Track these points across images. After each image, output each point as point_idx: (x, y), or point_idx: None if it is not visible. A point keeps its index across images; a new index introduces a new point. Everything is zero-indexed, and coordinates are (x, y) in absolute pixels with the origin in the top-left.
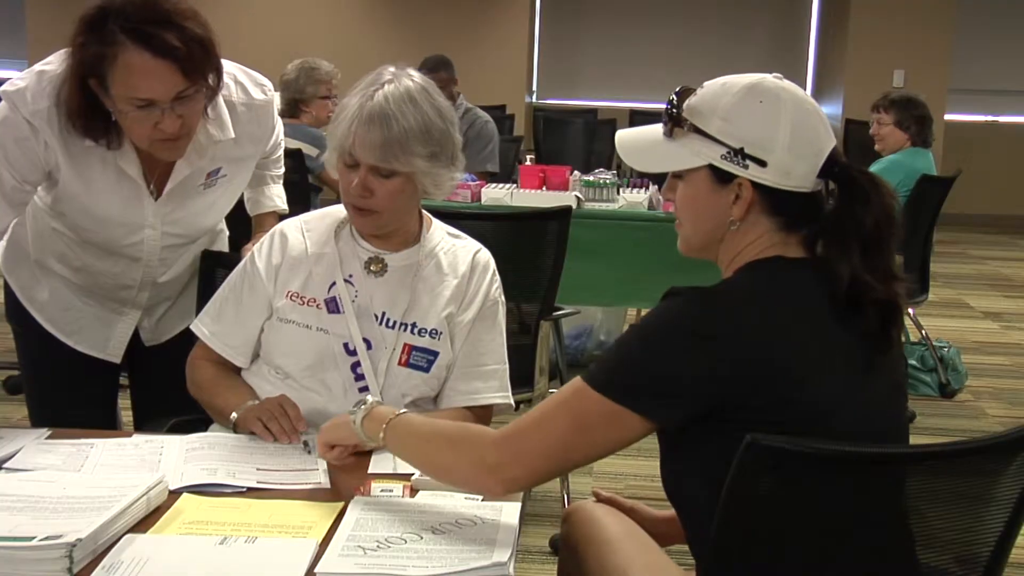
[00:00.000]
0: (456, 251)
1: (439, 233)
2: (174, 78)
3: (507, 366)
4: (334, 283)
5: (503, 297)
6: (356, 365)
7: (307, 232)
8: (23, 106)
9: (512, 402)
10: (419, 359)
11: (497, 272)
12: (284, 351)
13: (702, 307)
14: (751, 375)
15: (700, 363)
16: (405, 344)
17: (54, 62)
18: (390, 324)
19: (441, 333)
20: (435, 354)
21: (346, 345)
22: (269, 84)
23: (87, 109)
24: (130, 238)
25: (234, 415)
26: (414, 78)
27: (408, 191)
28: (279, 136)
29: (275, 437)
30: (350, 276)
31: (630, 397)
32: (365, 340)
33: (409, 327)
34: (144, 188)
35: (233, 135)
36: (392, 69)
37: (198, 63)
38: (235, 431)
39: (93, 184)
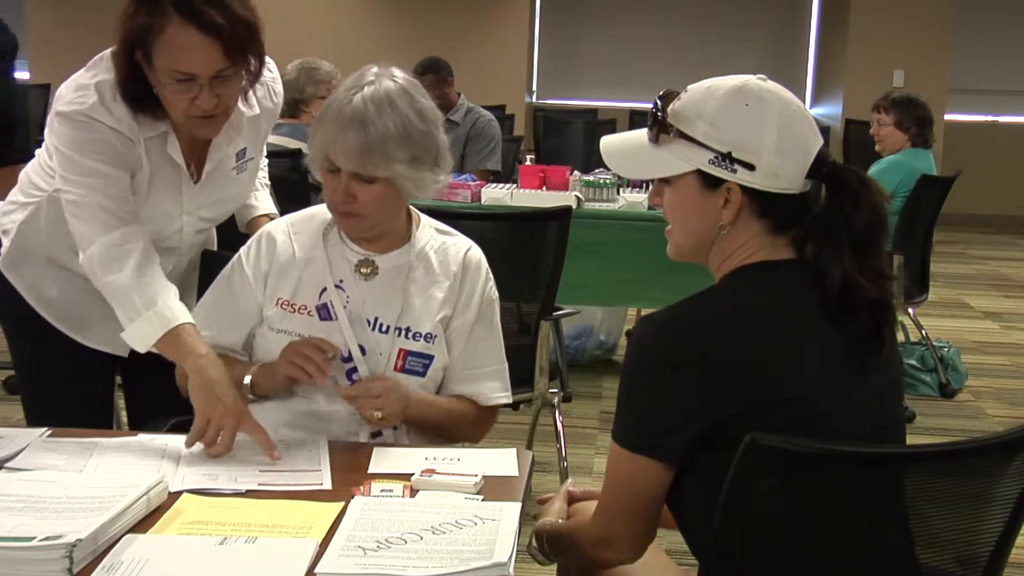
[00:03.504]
0: (446, 249)
1: (428, 231)
2: (215, 55)
3: (506, 364)
4: (325, 289)
5: (496, 293)
6: (352, 371)
7: (294, 235)
8: (107, 117)
9: (511, 399)
10: (415, 364)
11: (489, 269)
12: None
13: (664, 336)
14: (736, 386)
15: (680, 391)
16: (400, 349)
17: (100, 69)
18: (383, 329)
19: (436, 336)
20: (430, 358)
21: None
22: (271, 62)
23: (134, 82)
24: (171, 228)
25: (248, 377)
26: (396, 78)
27: (392, 195)
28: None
29: (311, 376)
30: (340, 281)
31: (643, 444)
32: (360, 347)
33: (403, 331)
34: (184, 170)
35: (258, 111)
36: (375, 70)
37: (241, 43)
38: (253, 394)
39: (152, 176)
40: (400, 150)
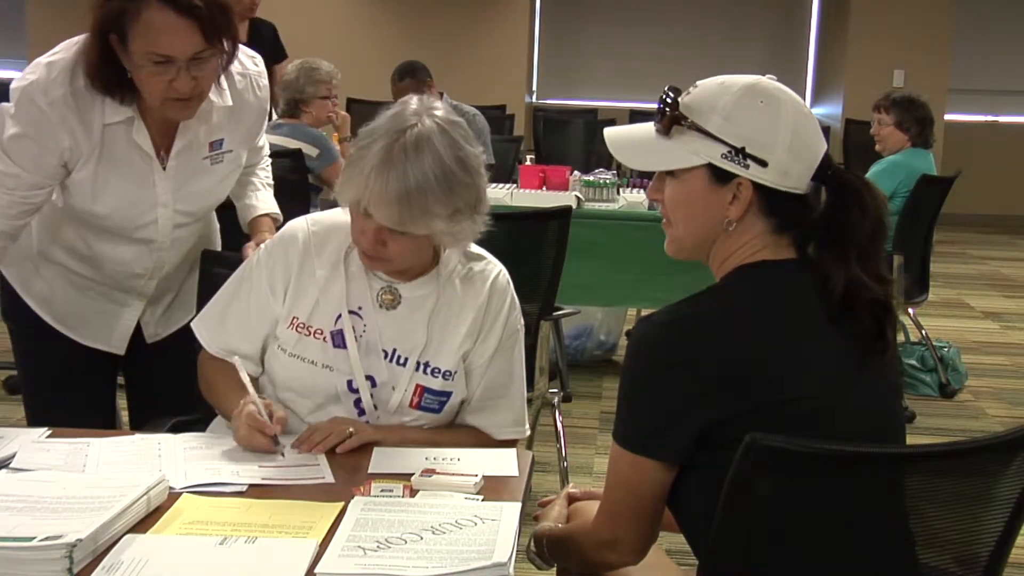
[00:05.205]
0: (473, 277)
1: (455, 255)
2: (194, 37)
3: (524, 397)
4: (340, 315)
5: (522, 322)
6: (359, 402)
7: (316, 247)
8: (40, 98)
9: (526, 434)
10: (431, 402)
11: (515, 297)
12: (288, 386)
13: (664, 336)
14: (737, 385)
15: (679, 390)
16: (417, 385)
17: (62, 50)
18: (401, 361)
19: (455, 373)
20: (448, 395)
21: (350, 383)
22: (258, 56)
23: (105, 65)
24: (144, 218)
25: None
26: (437, 118)
27: (424, 244)
28: (264, 141)
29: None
30: (359, 308)
31: (643, 444)
32: (369, 377)
33: (423, 367)
34: (154, 158)
35: (231, 102)
36: (414, 106)
37: (218, 25)
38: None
39: (111, 162)
40: (440, 205)
